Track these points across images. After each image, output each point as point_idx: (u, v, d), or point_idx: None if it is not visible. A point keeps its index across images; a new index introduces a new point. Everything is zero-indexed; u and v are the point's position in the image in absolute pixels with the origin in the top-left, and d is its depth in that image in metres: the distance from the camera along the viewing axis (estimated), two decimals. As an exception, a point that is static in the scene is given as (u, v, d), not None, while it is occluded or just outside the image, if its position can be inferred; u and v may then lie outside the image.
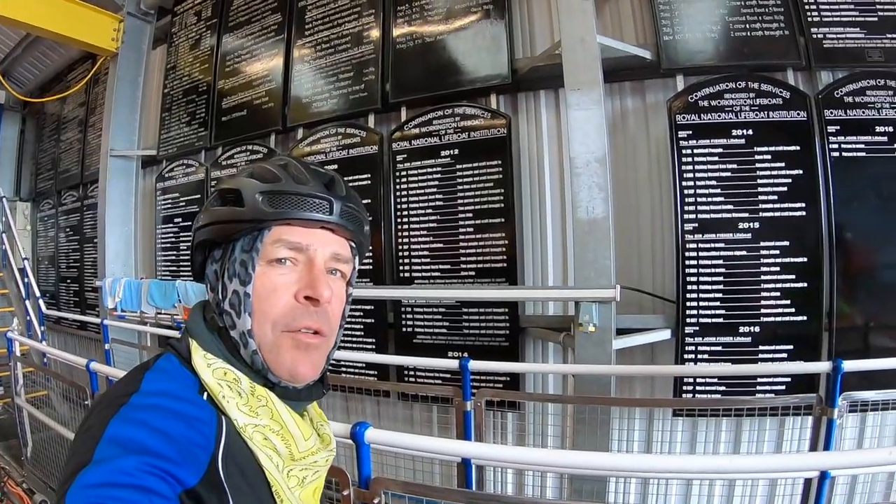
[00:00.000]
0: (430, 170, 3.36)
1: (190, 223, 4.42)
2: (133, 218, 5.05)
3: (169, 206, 4.64)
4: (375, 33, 3.69)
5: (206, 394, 0.67)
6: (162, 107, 4.83)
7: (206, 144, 4.38)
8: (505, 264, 3.17)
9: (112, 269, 4.92)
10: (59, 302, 6.28)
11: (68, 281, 6.16)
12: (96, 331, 5.01)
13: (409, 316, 3.41)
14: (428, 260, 3.34)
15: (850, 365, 2.42)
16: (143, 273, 5.01)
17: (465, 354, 3.19)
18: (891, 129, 2.96)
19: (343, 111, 3.71)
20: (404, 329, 3.42)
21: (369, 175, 3.53)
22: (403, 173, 3.43)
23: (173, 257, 4.61)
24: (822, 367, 2.54)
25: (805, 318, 2.91)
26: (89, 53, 5.55)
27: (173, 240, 4.60)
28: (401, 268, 3.42)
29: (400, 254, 3.43)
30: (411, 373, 3.41)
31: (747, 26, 3.15)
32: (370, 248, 3.46)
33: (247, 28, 4.29)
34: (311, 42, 3.94)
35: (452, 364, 2.71)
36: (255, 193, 0.70)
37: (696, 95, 3.07)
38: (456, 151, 3.32)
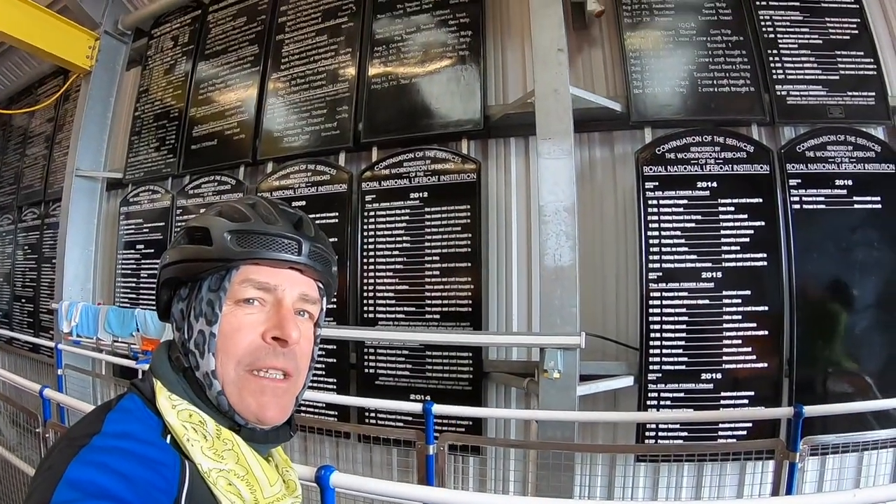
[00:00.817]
0: (398, 211, 3.34)
1: (153, 250, 4.38)
2: (94, 241, 4.89)
3: (132, 231, 4.52)
4: (351, 72, 3.69)
5: (169, 436, 0.65)
6: (131, 129, 4.73)
7: (174, 172, 4.29)
8: (470, 308, 3.15)
9: (70, 292, 4.75)
10: (11, 321, 6.03)
11: (23, 301, 5.91)
12: (49, 354, 4.82)
13: (371, 357, 3.35)
14: (393, 301, 3.30)
15: (810, 410, 2.47)
16: (102, 298, 4.84)
17: (428, 397, 3.15)
18: (850, 182, 3.08)
19: (314, 148, 3.69)
20: (367, 370, 3.36)
21: (337, 213, 3.50)
22: (372, 213, 3.41)
23: (133, 284, 4.47)
24: (784, 412, 2.61)
25: (766, 364, 2.97)
26: (61, 69, 5.43)
27: (134, 266, 4.47)
28: (365, 308, 3.37)
29: (365, 294, 3.38)
30: (373, 415, 3.33)
31: (714, 82, 3.26)
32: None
33: (223, 57, 4.26)
34: (286, 76, 3.92)
35: (416, 407, 2.68)
36: (223, 232, 0.71)
37: (663, 148, 3.14)
38: (425, 194, 3.31)
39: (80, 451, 0.58)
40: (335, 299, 3.45)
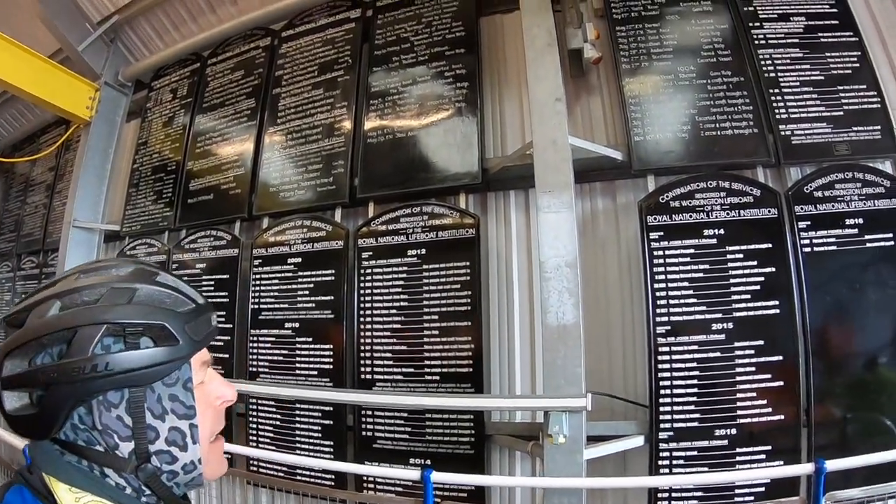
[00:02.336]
0: (395, 268, 3.25)
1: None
2: (93, 294, 4.84)
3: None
4: (347, 125, 3.65)
5: None
6: (130, 182, 4.72)
7: (171, 225, 4.25)
8: (471, 369, 3.03)
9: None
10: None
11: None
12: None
13: (369, 419, 3.22)
14: (391, 362, 3.19)
15: (832, 465, 2.37)
16: (101, 352, 4.77)
17: (428, 461, 3.03)
18: (860, 220, 2.98)
19: (310, 203, 3.63)
20: (364, 433, 3.22)
21: (333, 271, 3.40)
22: (368, 271, 3.32)
23: (131, 341, 4.39)
24: (805, 469, 2.50)
25: (782, 416, 2.83)
26: (63, 118, 5.49)
27: (132, 322, 4.40)
28: (362, 369, 3.25)
29: (362, 355, 3.26)
30: (371, 480, 3.19)
31: (717, 125, 3.19)
32: (331, 345, 3.34)
33: (220, 110, 4.25)
34: (282, 130, 3.89)
35: (413, 474, 2.59)
36: (183, 325, 0.70)
37: (667, 196, 3.06)
38: (423, 251, 3.23)
39: None
40: (331, 359, 3.35)
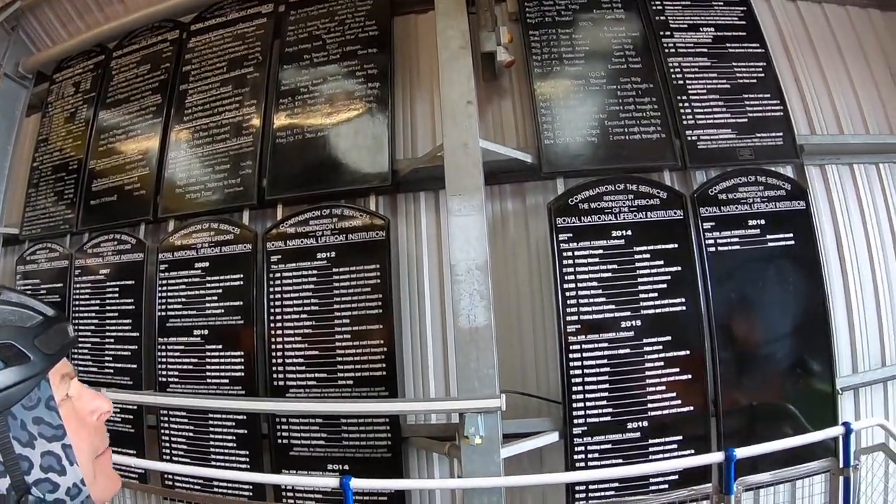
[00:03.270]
0: (305, 272, 3.18)
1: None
2: (-11, 303, 4.50)
3: (30, 292, 4.15)
4: (255, 124, 3.54)
5: None
6: (29, 181, 4.39)
7: (73, 228, 3.98)
8: (384, 372, 3.01)
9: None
10: None
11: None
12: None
13: (284, 427, 3.14)
14: (303, 367, 3.11)
15: (741, 452, 2.49)
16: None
17: (346, 466, 3.00)
18: (762, 221, 3.16)
19: (217, 205, 3.49)
20: (280, 440, 3.14)
21: (242, 275, 3.29)
22: (278, 275, 3.23)
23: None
24: (715, 458, 2.61)
25: (692, 407, 2.96)
26: (-43, 113, 5.06)
27: (30, 332, 4.11)
28: (274, 376, 3.16)
29: (274, 361, 3.18)
30: (289, 490, 3.12)
31: (625, 130, 3.28)
32: (241, 352, 3.23)
33: (125, 106, 4.02)
34: (189, 128, 3.73)
35: (332, 482, 2.54)
36: (32, 340, 0.64)
37: (576, 198, 3.13)
38: (333, 254, 3.17)
39: None
40: (243, 366, 3.25)
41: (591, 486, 2.91)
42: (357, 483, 2.51)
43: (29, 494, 0.62)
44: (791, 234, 3.15)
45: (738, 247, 3.15)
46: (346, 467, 3.00)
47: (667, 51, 3.44)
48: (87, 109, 4.25)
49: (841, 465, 2.67)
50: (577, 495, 2.90)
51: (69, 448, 0.65)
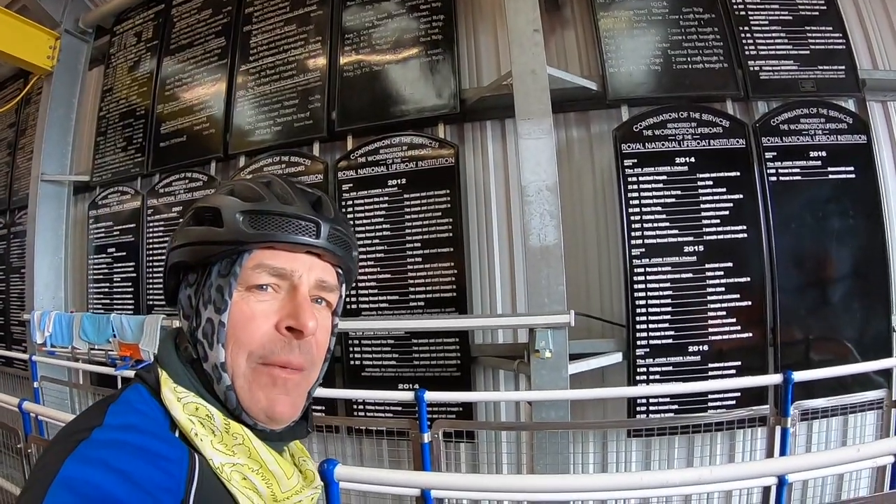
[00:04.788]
0: (376, 199, 3.28)
1: (125, 253, 4.25)
2: (64, 247, 4.72)
3: (102, 235, 4.36)
4: (322, 61, 3.61)
5: (178, 431, 0.60)
6: (97, 131, 4.58)
7: (143, 171, 4.16)
8: (454, 293, 3.11)
9: (41, 301, 4.58)
10: (-19, 336, 5.81)
11: (-8, 314, 5.71)
12: (23, 367, 4.65)
13: (357, 349, 3.29)
14: (376, 291, 3.24)
15: (799, 376, 2.54)
16: (74, 306, 4.69)
17: (417, 386, 3.11)
18: (823, 153, 3.13)
19: (287, 139, 3.60)
20: (353, 362, 3.30)
21: (314, 204, 3.40)
22: (350, 203, 3.34)
23: (106, 289, 4.32)
24: (773, 379, 2.66)
25: (751, 334, 3.02)
26: (22, 71, 5.24)
27: (106, 271, 4.32)
28: (348, 299, 3.30)
29: (347, 285, 3.30)
30: (361, 407, 3.28)
31: (688, 59, 3.27)
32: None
33: (188, 51, 4.14)
34: (255, 68, 3.82)
35: (407, 396, 2.65)
36: (235, 213, 0.64)
37: (640, 125, 3.15)
38: (403, 181, 3.26)
39: (79, 446, 0.53)
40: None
41: (651, 403, 2.99)
42: (431, 396, 2.61)
43: (195, 346, 0.66)
44: (852, 168, 3.11)
45: (799, 178, 3.13)
46: (416, 386, 3.11)
47: (729, -20, 3.39)
48: (150, 58, 4.38)
49: (894, 398, 2.68)
50: (638, 411, 3.00)
51: (222, 327, 0.64)
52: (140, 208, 4.06)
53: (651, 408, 3.00)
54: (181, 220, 0.71)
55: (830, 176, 3.12)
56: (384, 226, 3.26)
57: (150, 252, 3.92)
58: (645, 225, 3.05)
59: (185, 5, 4.28)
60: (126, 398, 0.62)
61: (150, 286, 4.02)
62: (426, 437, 2.51)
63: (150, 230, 3.96)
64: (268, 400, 0.64)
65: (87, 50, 4.96)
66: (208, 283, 0.66)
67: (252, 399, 0.64)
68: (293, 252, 0.66)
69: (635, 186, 3.07)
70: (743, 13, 3.35)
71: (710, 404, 2.99)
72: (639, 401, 2.99)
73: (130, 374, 3.38)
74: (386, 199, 3.27)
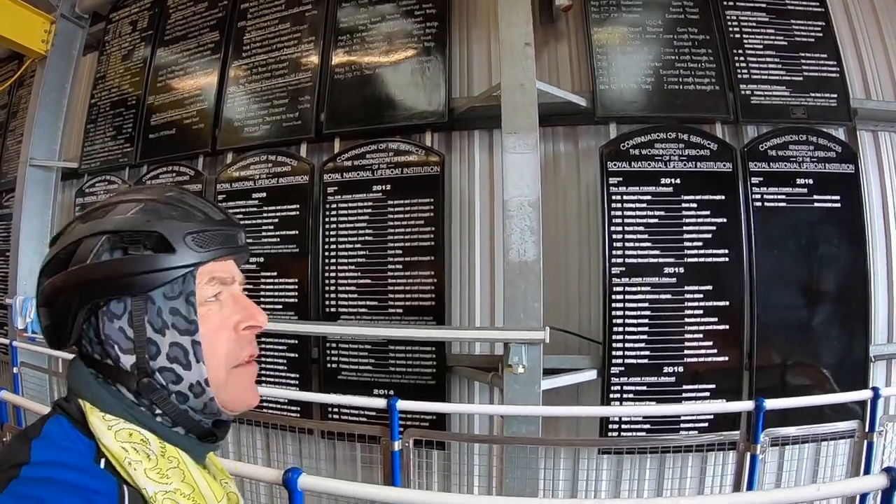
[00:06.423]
0: (361, 204, 3.28)
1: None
2: (50, 233, 4.67)
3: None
4: (314, 61, 3.60)
5: (103, 460, 0.61)
6: (87, 118, 4.54)
7: (131, 161, 4.13)
8: (433, 302, 3.11)
9: (24, 286, 4.55)
10: (-39, 318, 5.76)
11: (-25, 296, 5.66)
12: (4, 352, 4.62)
13: (333, 352, 3.28)
14: (355, 295, 3.24)
15: (771, 404, 2.54)
16: (57, 293, 4.66)
17: (391, 392, 3.11)
18: (811, 181, 3.15)
19: (275, 138, 3.58)
20: (329, 365, 3.29)
21: (298, 206, 3.40)
22: (334, 206, 3.33)
23: (89, 278, 4.30)
24: (745, 405, 2.68)
25: (727, 358, 3.03)
26: (15, 53, 5.20)
27: (90, 259, 4.29)
28: (327, 302, 3.29)
29: (327, 288, 3.30)
30: (336, 410, 3.27)
31: (680, 80, 3.27)
32: (296, 279, 3.35)
33: (182, 43, 4.11)
34: (247, 64, 3.81)
35: (380, 403, 2.66)
36: (183, 236, 0.67)
37: (627, 143, 3.15)
38: (388, 187, 3.25)
39: (10, 485, 0.54)
40: (296, 292, 3.38)
41: (624, 422, 3.01)
42: (403, 404, 2.61)
43: (150, 378, 0.66)
44: (838, 197, 3.13)
45: (784, 204, 3.14)
46: (391, 392, 3.11)
47: (726, 3, 3.39)
48: (144, 47, 4.35)
49: (866, 430, 2.69)
50: (610, 429, 3.01)
51: (198, 345, 0.67)
52: (126, 199, 4.03)
53: (624, 426, 3.01)
54: (59, 250, 0.68)
55: (816, 204, 3.14)
56: (367, 231, 3.25)
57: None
58: (627, 244, 3.06)
59: (182, -3, 4.27)
60: (48, 432, 0.62)
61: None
62: (397, 445, 2.53)
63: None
64: (248, 395, 0.73)
65: (82, 36, 4.93)
66: (154, 309, 0.66)
67: (237, 401, 0.71)
68: (227, 259, 0.73)
69: (619, 205, 3.08)
70: (738, 36, 3.36)
71: (683, 425, 3.01)
72: (611, 420, 3.00)
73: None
74: (370, 204, 3.27)
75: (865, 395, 2.77)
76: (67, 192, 4.80)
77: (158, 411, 0.67)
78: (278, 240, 3.41)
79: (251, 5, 3.93)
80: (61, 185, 4.83)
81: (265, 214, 3.45)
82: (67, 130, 4.80)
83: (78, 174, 4.59)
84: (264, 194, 3.48)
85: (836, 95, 3.24)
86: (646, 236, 3.07)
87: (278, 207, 3.43)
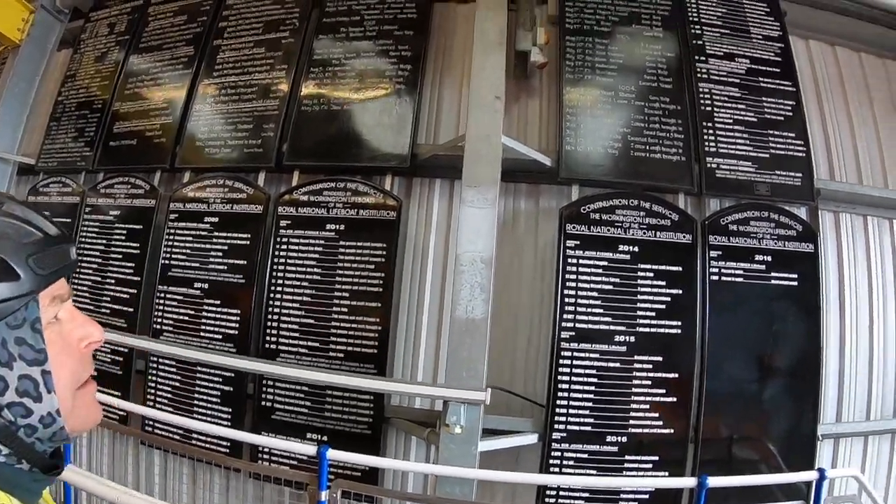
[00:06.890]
0: (313, 241, 3.20)
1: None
2: (-2, 227, 4.52)
3: (37, 209, 4.18)
4: (283, 89, 3.55)
5: None
6: (52, 114, 4.40)
7: (89, 167, 4.00)
8: (375, 350, 3.04)
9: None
10: None
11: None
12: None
13: (270, 390, 3.17)
14: (297, 334, 3.15)
15: (714, 481, 2.52)
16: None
17: (325, 437, 3.03)
18: (769, 258, 3.16)
19: (235, 163, 3.51)
20: (263, 402, 3.18)
21: (249, 235, 3.31)
22: (285, 240, 3.25)
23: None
24: (688, 482, 2.66)
25: (672, 430, 2.99)
26: (-9, 38, 5.08)
27: (34, 262, 4.14)
28: (268, 338, 3.19)
29: (269, 324, 3.21)
30: (265, 450, 3.15)
31: (647, 147, 3.29)
32: (238, 311, 3.26)
33: (157, 53, 4.04)
34: (217, 84, 3.74)
35: (310, 450, 2.58)
36: (26, 258, 0.61)
37: (588, 207, 3.14)
38: (342, 227, 3.19)
39: None
40: (237, 325, 3.28)
41: (562, 492, 2.94)
42: (334, 454, 2.54)
43: None
44: (796, 276, 3.15)
45: (741, 279, 3.16)
46: (325, 438, 3.03)
47: (699, 75, 3.45)
48: (118, 51, 4.26)
49: None
50: (547, 498, 2.94)
51: (48, 375, 0.62)
52: (79, 204, 3.90)
53: (561, 493, 2.94)
54: None
55: (773, 281, 3.16)
56: (315, 269, 3.17)
57: (81, 251, 3.75)
58: (579, 308, 3.03)
59: (163, 6, 4.20)
60: None
61: (75, 284, 3.85)
62: (324, 496, 2.45)
63: (85, 228, 3.80)
64: (94, 413, 0.71)
65: (60, 30, 4.80)
66: None
67: (83, 422, 0.69)
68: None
69: (574, 268, 3.05)
70: (709, 108, 3.41)
71: (623, 498, 2.94)
72: (549, 487, 2.93)
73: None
74: (322, 242, 3.19)
75: (811, 475, 2.75)
76: (22, 187, 4.61)
77: (5, 451, 0.61)
78: (225, 268, 3.31)
79: (229, 24, 3.88)
80: (16, 180, 4.65)
81: (215, 240, 3.36)
82: (30, 125, 4.63)
83: (34, 171, 4.44)
84: (217, 219, 3.39)
85: (800, 174, 3.29)
86: (599, 302, 3.04)
87: (229, 234, 3.34)
